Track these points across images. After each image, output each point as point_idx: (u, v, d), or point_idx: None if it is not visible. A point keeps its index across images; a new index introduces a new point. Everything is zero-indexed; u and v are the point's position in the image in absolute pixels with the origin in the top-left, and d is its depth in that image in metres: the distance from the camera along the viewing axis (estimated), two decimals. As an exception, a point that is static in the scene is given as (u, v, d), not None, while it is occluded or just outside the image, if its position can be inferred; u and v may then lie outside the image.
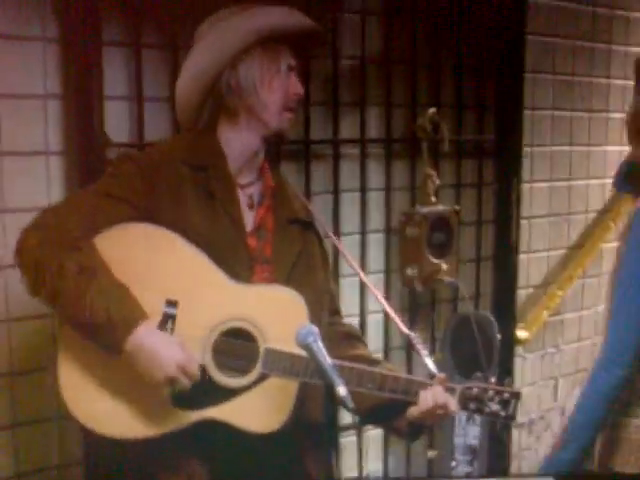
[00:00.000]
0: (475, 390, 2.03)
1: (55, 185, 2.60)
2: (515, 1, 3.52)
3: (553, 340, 4.18)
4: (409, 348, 2.36)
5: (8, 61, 2.48)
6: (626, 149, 4.08)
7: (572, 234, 4.15)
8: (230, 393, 1.99)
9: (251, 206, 2.16)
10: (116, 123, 2.68)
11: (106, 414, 1.99)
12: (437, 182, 3.40)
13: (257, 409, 1.99)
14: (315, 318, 2.07)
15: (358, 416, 2.47)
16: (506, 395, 2.02)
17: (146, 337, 1.91)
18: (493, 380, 2.11)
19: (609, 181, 4.17)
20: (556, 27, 3.86)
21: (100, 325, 1.90)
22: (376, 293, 2.41)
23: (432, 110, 3.37)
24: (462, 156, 3.62)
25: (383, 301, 2.39)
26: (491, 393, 2.03)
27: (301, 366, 1.96)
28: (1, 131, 2.49)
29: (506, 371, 3.73)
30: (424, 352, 2.21)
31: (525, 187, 3.81)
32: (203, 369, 1.98)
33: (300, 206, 2.26)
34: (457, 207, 3.52)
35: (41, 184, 2.57)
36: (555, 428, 4.26)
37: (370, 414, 2.13)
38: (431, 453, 3.56)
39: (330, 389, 1.76)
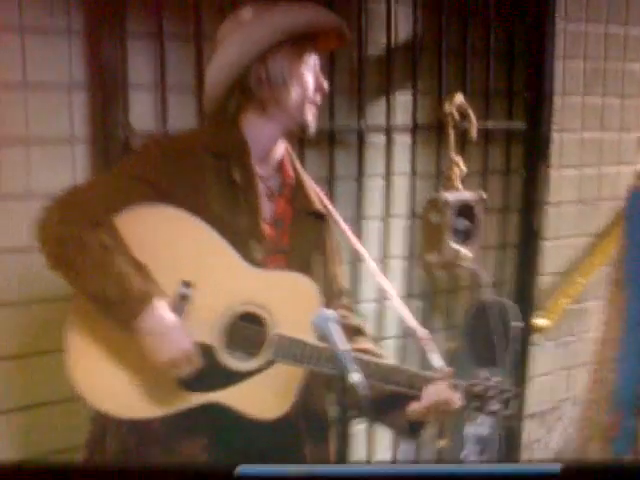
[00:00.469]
0: (478, 387, 2.08)
1: (80, 173, 2.70)
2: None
3: (573, 328, 4.22)
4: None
5: (34, 51, 2.57)
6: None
7: (601, 222, 4.16)
8: (236, 377, 2.04)
9: (271, 197, 2.22)
10: (140, 112, 2.77)
11: (112, 393, 2.06)
12: (464, 169, 3.45)
13: (261, 395, 2.04)
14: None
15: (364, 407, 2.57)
16: (507, 395, 2.08)
17: (157, 317, 1.98)
18: (496, 379, 2.13)
19: (640, 168, 4.20)
20: (587, 11, 3.85)
21: (115, 301, 1.98)
22: (386, 285, 2.47)
23: (459, 96, 3.41)
24: (489, 142, 3.66)
25: (393, 294, 2.45)
26: (492, 392, 2.08)
27: (309, 353, 2.02)
28: (28, 119, 2.60)
29: (521, 360, 3.81)
30: (430, 346, 2.28)
31: (554, 173, 3.85)
32: (212, 351, 2.04)
33: (317, 199, 2.32)
34: (483, 194, 3.57)
35: (66, 172, 2.67)
36: (566, 420, 4.31)
37: (374, 406, 2.19)
38: (441, 443, 3.66)
39: (342, 375, 1.79)
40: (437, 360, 2.22)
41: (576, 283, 4.07)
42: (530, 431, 4.06)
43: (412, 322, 2.37)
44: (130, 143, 2.74)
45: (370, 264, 2.47)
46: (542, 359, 4.11)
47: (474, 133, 3.44)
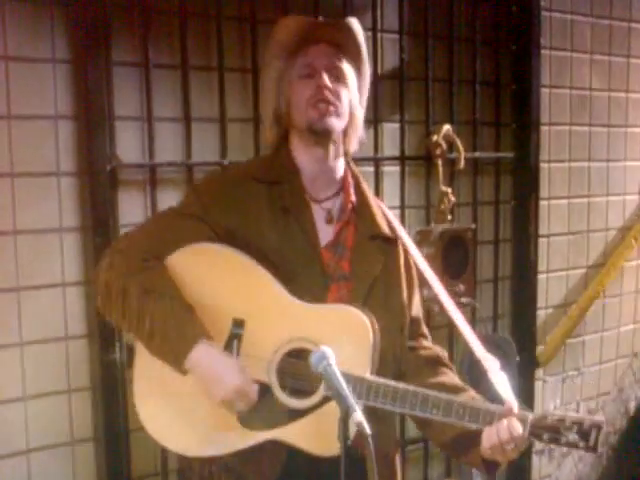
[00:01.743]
0: (549, 419, 2.00)
1: (67, 206, 2.70)
2: (529, 15, 3.62)
3: (574, 363, 4.22)
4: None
5: (19, 82, 2.58)
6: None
7: (591, 252, 4.20)
8: (295, 414, 2.04)
9: (329, 221, 2.20)
10: (127, 143, 2.78)
11: (176, 431, 2.10)
12: (453, 200, 3.48)
13: (321, 431, 2.01)
14: (392, 340, 2.14)
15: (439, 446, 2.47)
16: (586, 425, 1.97)
17: (203, 359, 2.00)
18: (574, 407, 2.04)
19: (629, 197, 4.26)
20: (573, 40, 3.93)
21: (159, 346, 2.03)
22: (454, 314, 2.35)
23: (447, 127, 3.45)
24: (479, 173, 3.70)
25: (462, 323, 2.33)
26: (568, 422, 1.98)
27: (363, 389, 2.01)
28: (13, 152, 2.59)
29: (526, 395, 3.79)
30: (497, 377, 2.17)
31: (543, 204, 3.88)
32: (269, 390, 2.05)
33: (384, 222, 2.28)
34: (473, 225, 3.60)
35: (53, 205, 2.67)
36: (576, 455, 4.29)
37: (451, 446, 2.18)
38: (448, 482, 3.63)
39: (345, 416, 1.74)
40: (505, 391, 2.12)
41: (575, 316, 4.07)
42: (540, 467, 4.02)
43: (481, 351, 2.26)
44: (116, 175, 2.75)
45: (439, 291, 2.35)
46: (547, 394, 4.10)
47: (462, 163, 3.48)
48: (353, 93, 2.21)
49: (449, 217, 3.48)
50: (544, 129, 3.81)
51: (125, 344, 2.71)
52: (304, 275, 2.11)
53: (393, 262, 2.25)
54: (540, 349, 3.97)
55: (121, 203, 2.75)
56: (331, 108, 2.14)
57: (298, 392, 2.05)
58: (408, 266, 2.30)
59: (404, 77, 3.39)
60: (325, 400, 2.01)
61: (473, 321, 3.67)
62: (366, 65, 2.27)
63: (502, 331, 3.83)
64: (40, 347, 2.67)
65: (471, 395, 2.18)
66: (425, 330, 2.37)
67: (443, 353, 2.35)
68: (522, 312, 3.87)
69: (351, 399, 1.75)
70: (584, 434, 1.96)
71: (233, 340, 2.06)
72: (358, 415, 1.73)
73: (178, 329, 2.00)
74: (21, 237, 2.61)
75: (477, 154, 3.65)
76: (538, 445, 4.02)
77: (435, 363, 2.29)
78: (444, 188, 3.47)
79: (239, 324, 2.07)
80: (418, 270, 2.33)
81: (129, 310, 2.04)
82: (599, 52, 4.04)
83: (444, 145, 3.46)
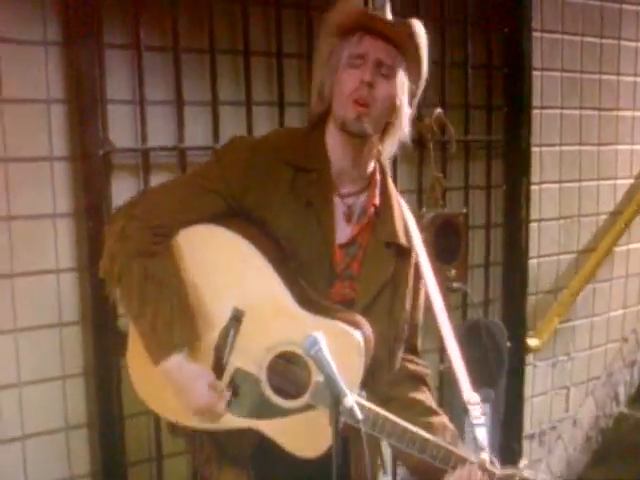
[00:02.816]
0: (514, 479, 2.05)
1: (60, 191, 2.73)
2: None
3: (564, 348, 4.30)
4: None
5: (11, 65, 2.60)
6: (636, 148, 4.27)
7: (582, 237, 4.27)
8: (280, 412, 2.09)
9: (349, 218, 2.19)
10: (120, 127, 2.81)
11: (165, 399, 2.14)
12: (445, 185, 3.52)
13: (301, 433, 2.08)
14: (386, 349, 2.17)
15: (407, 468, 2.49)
16: None
17: (176, 370, 2.06)
18: (534, 472, 2.13)
19: (620, 182, 4.33)
20: (564, 23, 3.98)
21: (145, 334, 2.07)
22: (450, 344, 2.29)
23: (438, 110, 3.49)
24: (470, 157, 3.75)
25: (456, 352, 2.29)
26: None
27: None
28: (5, 137, 2.61)
29: (517, 380, 3.86)
30: (478, 421, 2.18)
31: (534, 188, 3.94)
32: (257, 382, 2.10)
33: (402, 230, 2.25)
34: (465, 210, 3.65)
35: (46, 190, 2.70)
36: (567, 439, 4.37)
37: (416, 471, 2.24)
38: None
39: (337, 400, 1.78)
40: (481, 436, 2.15)
41: (566, 301, 4.14)
42: (530, 452, 4.09)
43: (466, 386, 2.23)
44: (109, 159, 2.77)
45: (442, 321, 2.29)
46: (537, 379, 4.19)
47: (453, 147, 3.53)
48: (400, 93, 2.13)
49: (441, 202, 3.53)
50: (535, 112, 3.87)
51: (119, 331, 2.74)
52: (312, 270, 2.13)
53: (403, 272, 2.24)
54: (531, 334, 4.03)
55: (114, 188, 2.77)
56: (364, 109, 2.07)
57: (284, 393, 2.10)
58: (417, 278, 2.29)
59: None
60: (309, 407, 2.07)
61: (464, 306, 3.75)
62: (423, 67, 2.16)
63: (493, 316, 3.89)
64: (34, 333, 2.70)
65: (442, 422, 2.24)
66: (418, 343, 2.39)
67: (427, 371, 2.37)
68: (513, 297, 3.93)
69: (342, 383, 1.78)
70: None
71: (230, 329, 2.10)
72: (349, 400, 1.77)
73: (165, 330, 2.03)
74: (15, 223, 2.64)
75: (469, 137, 3.70)
76: (529, 429, 4.11)
77: (417, 380, 2.32)
78: (436, 173, 3.51)
79: (238, 314, 2.10)
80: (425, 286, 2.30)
81: (128, 288, 2.07)
82: (590, 34, 4.10)
83: (436, 128, 3.50)
